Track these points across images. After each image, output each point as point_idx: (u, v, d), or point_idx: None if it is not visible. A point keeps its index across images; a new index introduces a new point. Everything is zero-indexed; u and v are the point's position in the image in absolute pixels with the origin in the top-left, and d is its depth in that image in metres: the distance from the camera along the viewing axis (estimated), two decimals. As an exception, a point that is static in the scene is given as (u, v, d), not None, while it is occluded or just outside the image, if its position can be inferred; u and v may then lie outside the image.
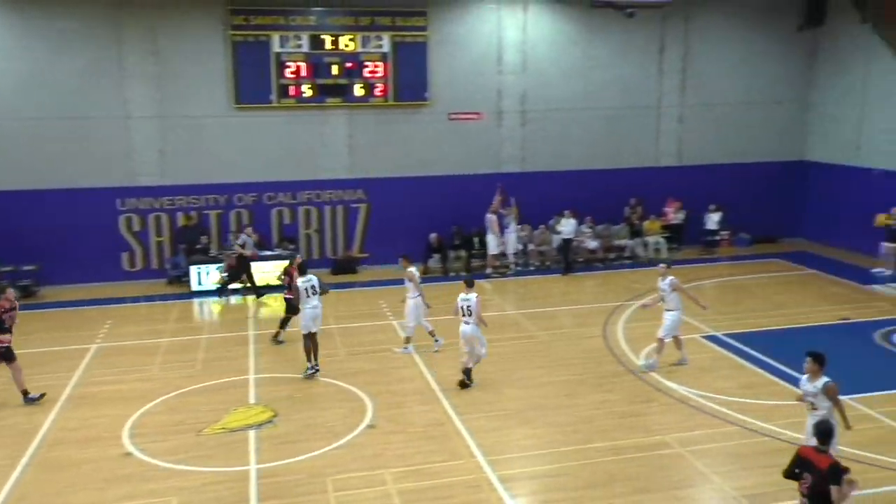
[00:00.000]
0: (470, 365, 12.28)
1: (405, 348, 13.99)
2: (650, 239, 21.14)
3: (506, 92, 20.61)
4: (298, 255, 16.02)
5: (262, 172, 19.51)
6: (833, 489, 6.73)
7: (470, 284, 12.43)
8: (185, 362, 13.79)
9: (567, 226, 19.85)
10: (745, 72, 22.00)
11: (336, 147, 19.89)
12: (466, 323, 12.09)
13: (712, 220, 21.56)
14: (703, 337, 14.43)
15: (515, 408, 11.61)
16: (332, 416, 11.33)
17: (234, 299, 18.08)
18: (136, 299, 17.96)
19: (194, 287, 18.42)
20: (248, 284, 18.22)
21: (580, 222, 20.47)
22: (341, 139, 19.88)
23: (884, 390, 11.67)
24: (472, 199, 19.95)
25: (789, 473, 7.20)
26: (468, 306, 12.04)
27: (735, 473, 9.49)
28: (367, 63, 19.36)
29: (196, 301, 18.02)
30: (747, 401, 11.57)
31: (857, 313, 15.90)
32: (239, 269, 18.10)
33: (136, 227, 19.11)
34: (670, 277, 12.86)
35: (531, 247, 20.47)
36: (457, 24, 20.00)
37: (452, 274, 19.65)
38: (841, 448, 9.94)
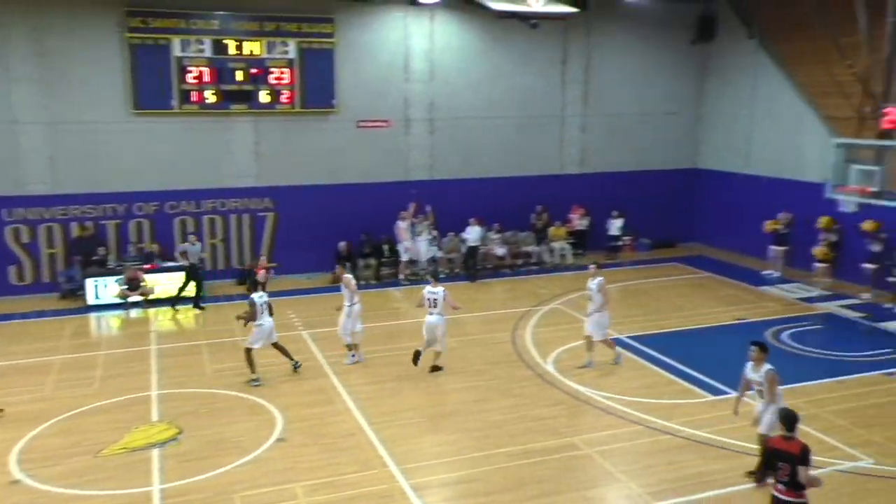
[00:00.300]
0: (421, 349, 13.10)
1: (353, 356, 13.79)
2: (556, 245, 21.65)
3: (413, 100, 20.69)
4: (262, 257, 15.92)
5: (164, 181, 18.84)
6: (800, 469, 7.12)
7: (436, 278, 13.70)
8: (81, 380, 13.12)
9: (472, 233, 20.11)
10: (642, 83, 22.90)
11: (241, 154, 19.45)
12: (431, 314, 13.04)
13: (615, 226, 22.29)
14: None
15: (427, 415, 11.65)
16: (239, 431, 11.03)
17: (133, 312, 17.36)
18: (25, 315, 16.97)
19: (90, 301, 17.58)
20: (177, 293, 17.65)
21: (488, 229, 20.80)
22: (247, 146, 19.46)
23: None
24: (382, 207, 19.93)
25: (763, 465, 7.64)
26: (434, 299, 13.04)
27: (640, 471, 9.82)
28: (272, 69, 19.03)
29: (93, 315, 17.19)
30: (650, 401, 12.00)
31: (749, 313, 16.77)
32: (188, 278, 17.60)
33: (25, 239, 18.07)
34: (599, 278, 13.28)
35: (440, 254, 20.60)
36: (364, 32, 19.94)
37: (362, 282, 19.47)
38: (731, 441, 10.50)
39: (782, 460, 7.26)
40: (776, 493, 7.37)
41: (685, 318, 16.60)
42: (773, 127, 21.21)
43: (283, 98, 19.23)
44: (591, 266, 13.61)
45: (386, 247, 20.25)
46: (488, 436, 10.84)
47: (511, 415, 11.56)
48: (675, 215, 23.68)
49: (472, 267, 20.09)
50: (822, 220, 18.56)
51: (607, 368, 13.43)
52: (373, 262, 20.04)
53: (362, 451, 10.39)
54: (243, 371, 12.97)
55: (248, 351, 12.83)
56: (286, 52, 19.10)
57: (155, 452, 10.38)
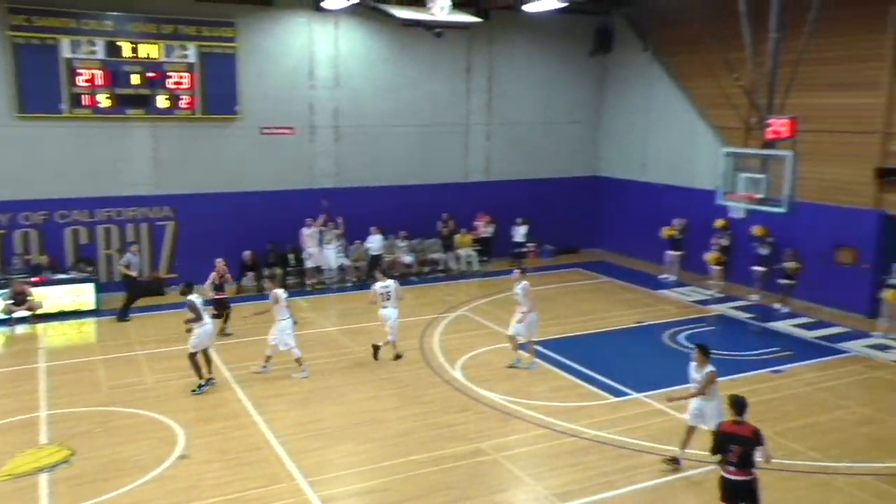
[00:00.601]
0: (381, 343, 13.92)
1: (302, 370, 13.42)
2: (462, 252, 21.84)
3: (318, 107, 20.46)
4: (221, 259, 15.72)
5: (54, 188, 17.87)
6: (760, 449, 7.66)
7: (386, 274, 14.50)
8: (-39, 402, 12.28)
9: (373, 241, 20.10)
10: (544, 93, 23.44)
11: (139, 161, 18.69)
12: (385, 307, 13.80)
13: (519, 232, 22.68)
14: (514, 345, 15.09)
15: (335, 426, 11.50)
16: (138, 449, 10.57)
17: (20, 328, 16.37)
18: None
19: (-29, 317, 16.50)
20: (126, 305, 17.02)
21: (395, 237, 20.79)
22: (145, 153, 18.71)
23: (672, 386, 12.77)
24: (287, 215, 19.60)
25: (716, 449, 7.92)
26: (388, 292, 13.76)
27: (546, 474, 10.01)
28: (171, 73, 18.39)
29: (-26, 332, 16.15)
30: (554, 404, 12.26)
31: (648, 316, 17.41)
32: (132, 293, 16.99)
33: None
34: (524, 282, 13.60)
35: (348, 263, 20.43)
36: (267, 37, 19.57)
37: (267, 292, 19.08)
38: (632, 440, 10.85)
39: (734, 443, 7.74)
40: (727, 475, 7.81)
41: (588, 322, 17.06)
42: (668, 136, 22.14)
43: (183, 103, 18.62)
44: (516, 272, 13.97)
45: (292, 256, 19.91)
46: (398, 444, 10.81)
47: (420, 422, 11.57)
48: (577, 222, 24.33)
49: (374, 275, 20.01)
50: (718, 222, 19.44)
51: (516, 373, 13.62)
52: (278, 271, 19.65)
53: (269, 465, 10.16)
54: (140, 385, 12.42)
55: (193, 356, 12.51)
56: (185, 56, 18.51)
57: (43, 477, 9.80)
